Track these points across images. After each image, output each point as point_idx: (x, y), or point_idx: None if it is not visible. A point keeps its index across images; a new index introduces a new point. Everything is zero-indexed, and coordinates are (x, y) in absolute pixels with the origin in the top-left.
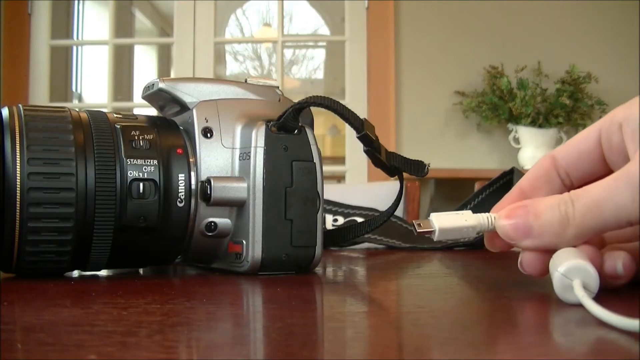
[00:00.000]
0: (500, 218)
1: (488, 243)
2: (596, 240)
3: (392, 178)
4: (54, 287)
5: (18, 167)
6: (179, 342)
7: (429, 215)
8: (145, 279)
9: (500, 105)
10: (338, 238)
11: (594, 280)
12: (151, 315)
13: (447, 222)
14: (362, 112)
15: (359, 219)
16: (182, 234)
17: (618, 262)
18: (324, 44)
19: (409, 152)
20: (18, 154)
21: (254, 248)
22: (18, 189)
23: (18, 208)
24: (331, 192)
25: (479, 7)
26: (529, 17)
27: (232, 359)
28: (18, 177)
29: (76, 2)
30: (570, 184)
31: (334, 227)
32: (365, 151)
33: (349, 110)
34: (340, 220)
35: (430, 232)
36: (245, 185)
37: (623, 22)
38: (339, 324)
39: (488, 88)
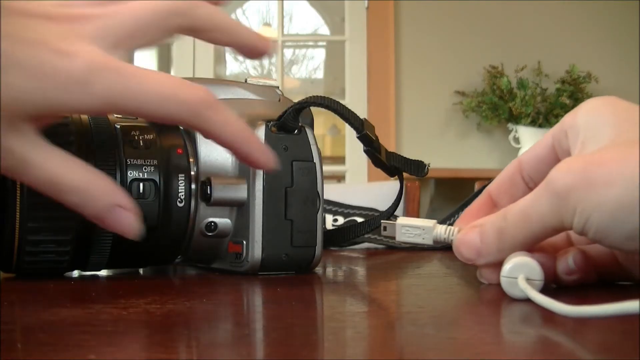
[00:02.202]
0: (457, 238)
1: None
2: (564, 244)
3: (392, 178)
4: (54, 287)
5: None
6: (179, 342)
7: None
8: (145, 279)
9: (500, 105)
10: (338, 238)
11: (538, 273)
12: (151, 315)
13: (407, 231)
14: (362, 112)
15: (359, 219)
16: (182, 234)
17: (569, 257)
18: (324, 43)
19: (409, 152)
20: None
21: (254, 248)
22: (18, 189)
23: (18, 208)
24: (331, 192)
25: (479, 7)
26: (529, 17)
27: (232, 359)
28: None
29: None
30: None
31: (334, 227)
32: (365, 151)
33: (349, 110)
34: (340, 220)
35: (393, 237)
36: (245, 185)
37: (623, 22)
38: (339, 324)
39: (488, 88)
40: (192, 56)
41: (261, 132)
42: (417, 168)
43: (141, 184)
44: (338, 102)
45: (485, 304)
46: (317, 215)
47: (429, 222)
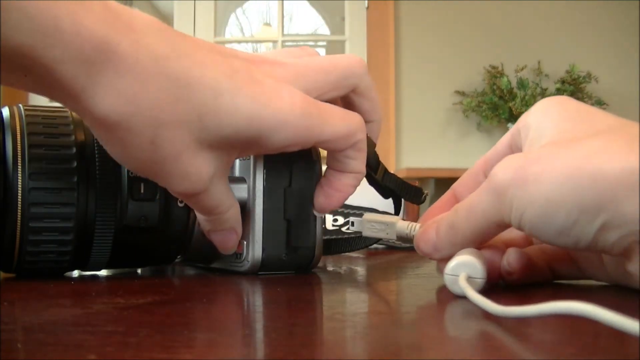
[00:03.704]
0: (417, 233)
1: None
2: (523, 241)
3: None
4: (54, 287)
5: (19, 168)
6: (179, 342)
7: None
8: (145, 279)
9: (500, 105)
10: (334, 248)
11: (480, 272)
12: (151, 315)
13: (373, 227)
14: None
15: (359, 220)
16: (182, 234)
17: (504, 258)
18: (324, 43)
19: (409, 151)
20: (19, 154)
21: (254, 248)
22: (19, 189)
23: (19, 208)
24: None
25: (479, 7)
26: (529, 17)
27: (232, 359)
28: (19, 178)
29: None
30: None
31: (331, 238)
32: None
33: None
34: (340, 220)
35: (360, 232)
36: (245, 185)
37: (623, 22)
38: (339, 324)
39: (488, 88)
40: None
41: None
42: (415, 194)
43: (142, 184)
44: None
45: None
46: (317, 215)
47: (393, 218)
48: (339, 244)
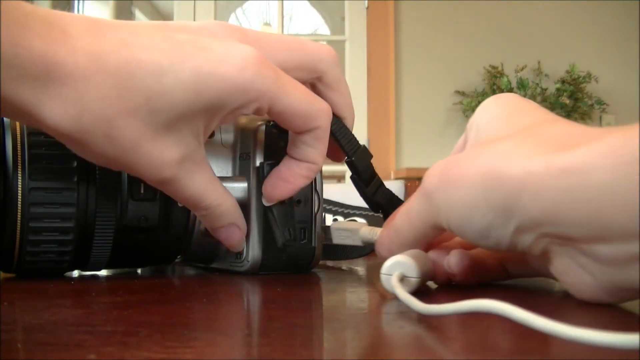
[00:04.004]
0: (377, 238)
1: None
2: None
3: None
4: (54, 287)
5: (19, 168)
6: (179, 342)
7: None
8: (145, 279)
9: None
10: (331, 254)
11: (414, 271)
12: (151, 315)
13: (340, 234)
14: (362, 112)
15: (359, 219)
16: (182, 234)
17: (445, 261)
18: (324, 43)
19: (409, 152)
20: (20, 154)
21: (254, 248)
22: (20, 189)
23: (20, 208)
24: (331, 192)
25: (479, 7)
26: (529, 17)
27: (232, 359)
28: (20, 178)
29: (76, 2)
30: None
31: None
32: (351, 177)
33: (347, 131)
34: (340, 219)
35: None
36: (245, 185)
37: (623, 22)
38: (339, 324)
39: (488, 88)
40: None
41: (261, 132)
42: None
43: (142, 185)
44: (336, 122)
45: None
46: (317, 215)
47: (357, 225)
48: (338, 250)
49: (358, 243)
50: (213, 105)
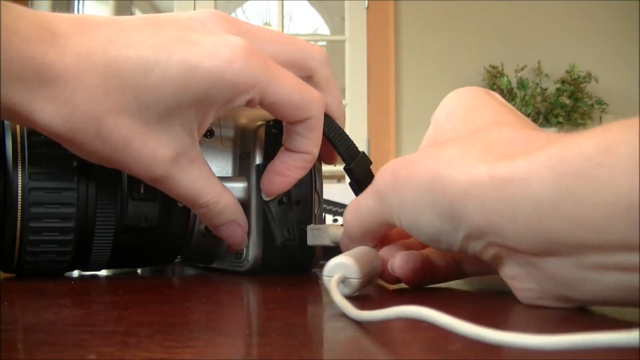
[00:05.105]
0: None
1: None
2: None
3: None
4: (54, 287)
5: (19, 168)
6: (179, 342)
7: None
8: (145, 279)
9: None
10: (331, 255)
11: (355, 272)
12: (151, 315)
13: (314, 234)
14: (362, 112)
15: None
16: (182, 234)
17: (389, 263)
18: (324, 43)
19: (409, 152)
20: (20, 154)
21: (254, 248)
22: (20, 189)
23: (20, 208)
24: (331, 192)
25: (479, 7)
26: (529, 17)
27: (232, 358)
28: (20, 178)
29: (76, 1)
30: None
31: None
32: (349, 184)
33: (345, 138)
34: (340, 220)
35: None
36: (245, 185)
37: (623, 22)
38: (339, 324)
39: (488, 87)
40: None
41: (261, 132)
42: None
43: (142, 185)
44: (335, 129)
45: (486, 303)
46: (317, 215)
47: (326, 225)
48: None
49: (328, 242)
50: (202, 98)
